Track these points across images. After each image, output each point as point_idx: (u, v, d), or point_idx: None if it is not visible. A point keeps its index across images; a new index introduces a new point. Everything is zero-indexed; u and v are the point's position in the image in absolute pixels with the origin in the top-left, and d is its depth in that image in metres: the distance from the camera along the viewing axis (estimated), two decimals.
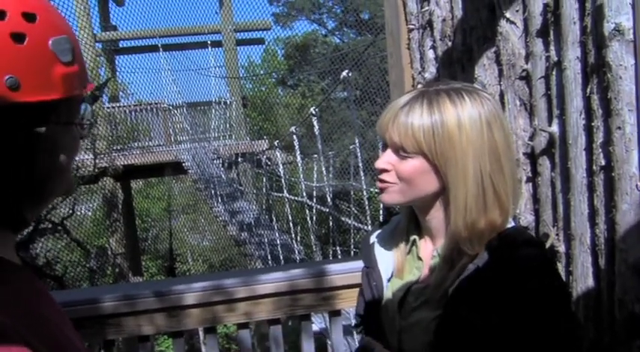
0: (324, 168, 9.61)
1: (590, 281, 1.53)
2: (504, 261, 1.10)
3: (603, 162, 1.43)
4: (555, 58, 1.55)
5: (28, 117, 0.77)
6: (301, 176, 10.71)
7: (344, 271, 2.34)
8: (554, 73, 1.56)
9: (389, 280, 1.30)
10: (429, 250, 1.25)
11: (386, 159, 1.20)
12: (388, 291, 1.29)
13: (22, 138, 0.77)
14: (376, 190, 1.27)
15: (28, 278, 0.83)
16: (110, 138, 14.47)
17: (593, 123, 1.44)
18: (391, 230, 1.35)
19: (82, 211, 15.71)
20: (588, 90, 1.46)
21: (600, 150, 1.43)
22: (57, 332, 0.80)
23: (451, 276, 1.15)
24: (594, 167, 1.46)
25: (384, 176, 1.21)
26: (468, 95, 1.16)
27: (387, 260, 1.31)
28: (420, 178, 1.17)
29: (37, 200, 0.83)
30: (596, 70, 1.42)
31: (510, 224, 1.20)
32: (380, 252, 1.33)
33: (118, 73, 17.98)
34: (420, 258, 1.26)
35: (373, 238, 1.38)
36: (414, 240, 1.28)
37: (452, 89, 1.17)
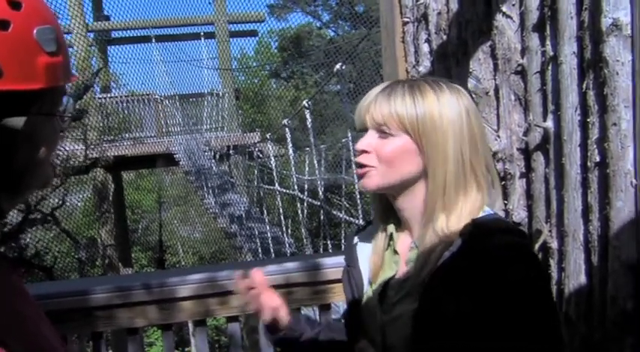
0: (315, 162, 9.58)
1: (583, 278, 1.52)
2: (479, 248, 1.09)
3: (598, 159, 1.42)
4: (551, 53, 1.54)
5: (8, 107, 0.75)
6: (293, 169, 10.68)
7: (338, 265, 2.33)
8: (549, 68, 1.55)
9: (370, 279, 1.29)
10: (406, 243, 1.24)
11: (367, 141, 1.19)
12: (368, 289, 1.28)
13: (1, 128, 0.75)
14: None
15: (3, 273, 0.81)
16: (101, 128, 14.41)
17: (588, 119, 1.44)
18: (373, 229, 1.34)
19: (73, 202, 15.65)
20: (584, 85, 1.45)
21: (595, 146, 1.43)
22: (33, 330, 0.79)
23: (427, 267, 1.15)
24: (589, 163, 1.45)
25: (362, 158, 1.20)
26: (445, 84, 1.19)
27: (367, 259, 1.31)
28: (402, 159, 1.16)
29: (14, 192, 0.81)
30: (593, 65, 1.41)
31: (487, 212, 1.19)
32: (361, 252, 1.33)
33: (109, 64, 17.91)
34: (396, 252, 1.26)
35: (356, 238, 1.37)
36: (392, 234, 1.27)
37: (429, 79, 1.21)
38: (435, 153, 1.14)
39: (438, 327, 1.10)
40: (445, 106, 1.15)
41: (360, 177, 1.22)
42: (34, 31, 0.77)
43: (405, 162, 1.17)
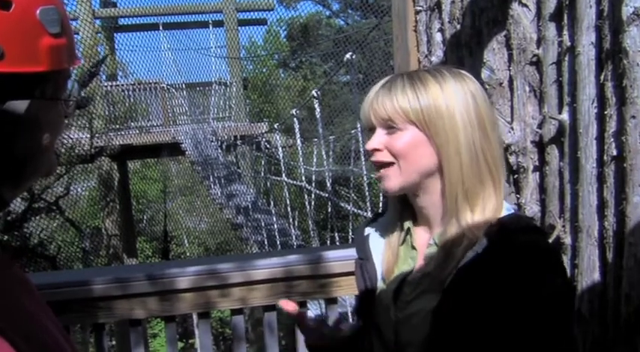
0: (324, 153, 9.57)
1: (597, 276, 1.50)
2: (504, 248, 1.08)
3: (615, 153, 1.40)
4: (568, 43, 1.52)
5: (10, 90, 0.73)
6: (301, 160, 10.67)
7: (342, 258, 2.32)
8: (566, 58, 1.53)
9: (383, 275, 1.27)
10: (424, 239, 1.23)
11: (376, 140, 1.18)
12: (382, 283, 1.26)
13: (2, 112, 0.73)
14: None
15: (4, 264, 0.80)
16: (107, 117, 14.43)
17: (605, 112, 1.41)
18: (386, 221, 1.32)
19: (77, 191, 15.70)
20: (602, 77, 1.42)
21: (612, 139, 1.40)
22: (33, 322, 0.77)
23: (450, 265, 1.13)
24: (605, 157, 1.43)
25: (377, 156, 1.18)
26: (448, 71, 1.17)
27: (381, 251, 1.29)
28: (416, 151, 1.15)
29: (17, 180, 0.80)
30: (612, 56, 1.39)
31: (509, 210, 1.18)
32: (375, 244, 1.31)
33: (116, 51, 17.89)
34: (414, 248, 1.24)
35: (368, 229, 1.35)
36: (409, 229, 1.25)
37: (430, 68, 1.21)
38: (446, 143, 1.13)
39: (457, 327, 1.08)
40: (449, 93, 1.13)
41: (379, 180, 1.20)
42: (37, 11, 0.75)
43: (419, 155, 1.15)
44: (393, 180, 1.18)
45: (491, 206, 1.13)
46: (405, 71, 1.23)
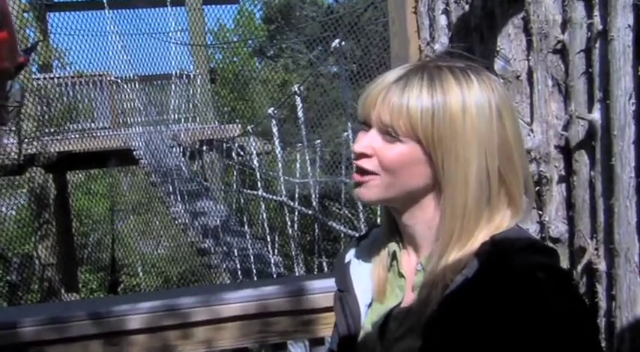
0: (309, 161, 9.59)
1: (639, 309, 1.52)
2: (497, 272, 1.08)
3: None
4: (600, 27, 1.54)
5: None
6: (281, 170, 10.69)
7: (330, 289, 2.31)
8: (597, 45, 1.55)
9: (369, 306, 1.28)
10: (412, 264, 1.24)
11: (367, 142, 1.18)
12: (367, 319, 1.27)
13: None
14: None
15: None
16: (41, 118, 14.35)
17: None
18: (370, 244, 1.34)
19: (2, 210, 15.59)
20: None
21: None
22: None
23: (437, 293, 1.14)
24: None
25: (362, 162, 1.19)
26: (476, 76, 1.16)
27: (365, 281, 1.30)
28: (408, 169, 1.16)
29: None
30: None
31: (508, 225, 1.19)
32: (356, 272, 1.32)
33: (50, 36, 17.79)
34: (402, 275, 1.25)
35: (349, 256, 1.36)
36: (395, 253, 1.26)
37: (456, 67, 1.17)
38: (453, 166, 1.13)
39: None
40: (471, 107, 1.13)
41: (356, 185, 1.21)
42: None
43: (410, 174, 1.16)
44: (373, 190, 1.18)
45: (490, 231, 1.15)
46: (425, 65, 1.19)
